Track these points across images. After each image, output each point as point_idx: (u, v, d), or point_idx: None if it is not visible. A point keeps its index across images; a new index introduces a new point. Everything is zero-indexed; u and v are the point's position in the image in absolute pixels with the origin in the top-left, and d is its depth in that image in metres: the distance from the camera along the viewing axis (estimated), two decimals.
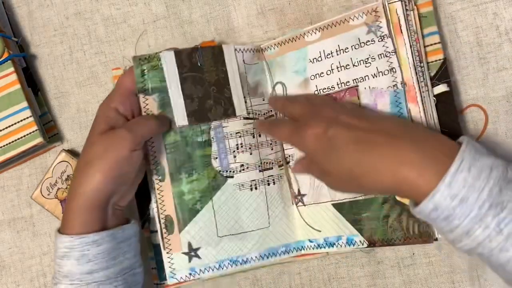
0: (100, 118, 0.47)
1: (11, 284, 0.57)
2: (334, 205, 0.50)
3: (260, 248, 0.51)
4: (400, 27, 0.46)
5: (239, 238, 0.51)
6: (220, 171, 0.51)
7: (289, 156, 0.53)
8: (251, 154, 0.51)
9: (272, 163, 0.52)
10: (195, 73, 0.50)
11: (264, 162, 0.52)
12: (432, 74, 0.48)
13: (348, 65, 0.48)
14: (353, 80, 0.48)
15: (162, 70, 0.49)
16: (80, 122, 0.57)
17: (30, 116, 0.53)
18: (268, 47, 0.53)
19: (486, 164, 0.36)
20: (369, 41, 0.47)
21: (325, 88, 0.50)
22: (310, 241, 0.52)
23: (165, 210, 0.50)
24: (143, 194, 0.52)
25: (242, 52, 0.52)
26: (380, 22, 0.46)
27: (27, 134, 0.53)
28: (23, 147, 0.53)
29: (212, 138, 0.51)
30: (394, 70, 0.46)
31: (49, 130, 0.57)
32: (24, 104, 0.53)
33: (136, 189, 0.50)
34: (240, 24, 0.55)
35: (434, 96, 0.47)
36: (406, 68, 0.46)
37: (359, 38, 0.48)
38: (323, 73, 0.50)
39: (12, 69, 0.53)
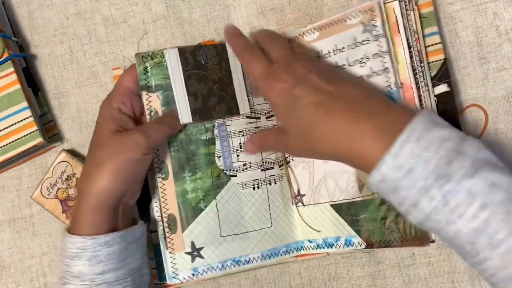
0: (106, 118, 0.47)
1: (11, 284, 0.57)
2: (332, 206, 0.50)
3: (262, 248, 0.51)
4: (398, 26, 0.46)
5: (241, 238, 0.51)
6: (223, 169, 0.51)
7: (289, 156, 0.53)
8: None
9: (273, 163, 0.52)
10: (199, 71, 0.50)
11: (266, 162, 0.52)
12: (432, 74, 0.48)
13: (344, 65, 0.48)
14: None
15: (166, 67, 0.49)
16: (80, 122, 0.57)
17: (30, 116, 0.53)
18: None
19: (439, 136, 0.36)
20: (364, 40, 0.46)
21: None
22: (310, 241, 0.52)
23: (168, 209, 0.50)
24: (143, 193, 0.52)
25: None
26: (376, 21, 0.45)
27: (27, 134, 0.53)
28: (23, 147, 0.53)
29: (216, 136, 0.51)
30: (387, 70, 0.45)
31: (49, 130, 0.57)
32: (24, 104, 0.53)
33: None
34: (240, 24, 0.55)
35: (435, 96, 0.47)
36: (404, 68, 0.46)
37: (355, 38, 0.47)
38: None
39: (12, 69, 0.53)
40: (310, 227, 0.52)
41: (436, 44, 0.48)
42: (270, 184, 0.52)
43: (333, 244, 0.50)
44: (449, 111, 0.47)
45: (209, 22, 0.56)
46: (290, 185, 0.53)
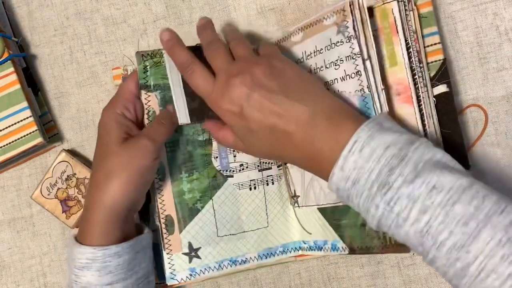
0: (111, 125, 0.46)
1: (11, 284, 0.57)
2: (319, 209, 0.50)
3: (258, 248, 0.51)
4: (396, 27, 0.45)
5: (238, 238, 0.51)
6: (220, 170, 0.51)
7: None
8: None
9: (271, 163, 0.52)
10: None
11: (263, 162, 0.52)
12: (432, 75, 0.47)
13: (322, 67, 0.47)
14: (325, 83, 0.46)
15: (164, 67, 0.49)
16: (80, 122, 0.57)
17: (30, 116, 0.53)
18: None
19: (383, 143, 0.37)
20: (338, 42, 0.45)
21: None
22: (304, 242, 0.52)
23: (165, 210, 0.50)
24: None
25: None
26: (347, 22, 0.44)
27: (27, 134, 0.53)
28: (23, 147, 0.53)
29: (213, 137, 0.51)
30: (359, 73, 0.44)
31: (49, 130, 0.57)
32: (24, 104, 0.53)
33: None
34: (240, 24, 0.55)
35: (434, 96, 0.47)
36: (402, 68, 0.45)
37: (330, 39, 0.46)
38: None
39: (12, 69, 0.53)
40: (304, 228, 0.52)
41: (435, 44, 0.47)
42: (267, 184, 0.52)
43: (322, 248, 0.50)
44: (448, 111, 0.47)
45: None
46: (288, 185, 0.52)
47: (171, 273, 0.50)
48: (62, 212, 0.54)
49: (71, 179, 0.54)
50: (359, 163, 0.37)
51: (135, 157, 0.44)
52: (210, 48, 0.46)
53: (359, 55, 0.43)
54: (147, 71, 0.49)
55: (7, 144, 0.53)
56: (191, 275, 0.50)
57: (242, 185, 0.51)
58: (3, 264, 0.57)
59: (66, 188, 0.54)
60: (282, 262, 0.53)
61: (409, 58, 0.45)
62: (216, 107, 0.44)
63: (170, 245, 0.50)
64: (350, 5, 0.44)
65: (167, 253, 0.50)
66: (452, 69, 0.50)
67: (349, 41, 0.44)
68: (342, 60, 0.45)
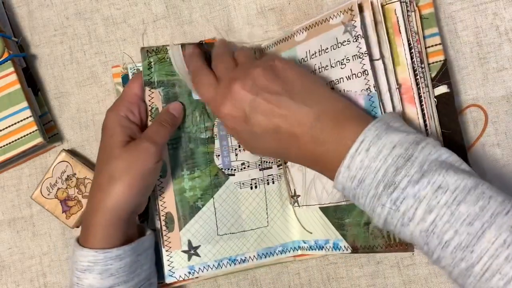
0: (114, 128, 0.46)
1: (11, 284, 0.57)
2: (321, 208, 0.50)
3: (257, 247, 0.51)
4: (399, 27, 0.45)
5: (238, 237, 0.51)
6: (222, 168, 0.51)
7: None
8: None
9: (272, 162, 0.52)
10: None
11: (264, 161, 0.52)
12: (432, 75, 0.47)
13: (327, 66, 0.47)
14: (329, 82, 0.47)
15: (168, 63, 0.49)
16: (80, 122, 0.57)
17: (30, 116, 0.53)
18: (267, 46, 0.53)
19: (389, 142, 0.37)
20: (345, 41, 0.45)
21: None
22: (304, 242, 0.52)
23: (165, 207, 0.50)
24: None
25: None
26: (355, 21, 0.44)
27: (27, 134, 0.53)
28: (23, 147, 0.53)
29: (215, 135, 0.51)
30: (366, 72, 0.44)
31: (49, 130, 0.57)
32: (24, 104, 0.53)
33: None
34: (240, 24, 0.55)
35: (435, 97, 0.47)
36: (404, 69, 0.45)
37: (337, 38, 0.46)
38: None
39: (12, 69, 0.53)
40: (304, 228, 0.52)
41: (436, 45, 0.48)
42: (268, 183, 0.52)
43: (323, 247, 0.50)
44: (449, 112, 0.47)
45: (209, 22, 0.56)
46: (288, 185, 0.53)
47: (169, 270, 0.50)
48: (62, 212, 0.54)
49: (71, 179, 0.54)
50: (366, 163, 0.37)
51: (138, 160, 0.44)
52: (215, 58, 0.48)
53: (366, 54, 0.44)
54: (152, 67, 0.49)
55: (7, 144, 0.53)
56: (189, 273, 0.50)
57: (243, 184, 0.51)
58: (3, 264, 0.57)
59: (66, 188, 0.54)
60: (281, 262, 0.53)
61: (411, 58, 0.45)
62: (217, 112, 0.45)
63: (170, 242, 0.50)
64: (358, 5, 0.44)
65: (166, 251, 0.50)
66: (452, 69, 0.50)
67: (356, 40, 0.44)
68: (348, 59, 0.45)
